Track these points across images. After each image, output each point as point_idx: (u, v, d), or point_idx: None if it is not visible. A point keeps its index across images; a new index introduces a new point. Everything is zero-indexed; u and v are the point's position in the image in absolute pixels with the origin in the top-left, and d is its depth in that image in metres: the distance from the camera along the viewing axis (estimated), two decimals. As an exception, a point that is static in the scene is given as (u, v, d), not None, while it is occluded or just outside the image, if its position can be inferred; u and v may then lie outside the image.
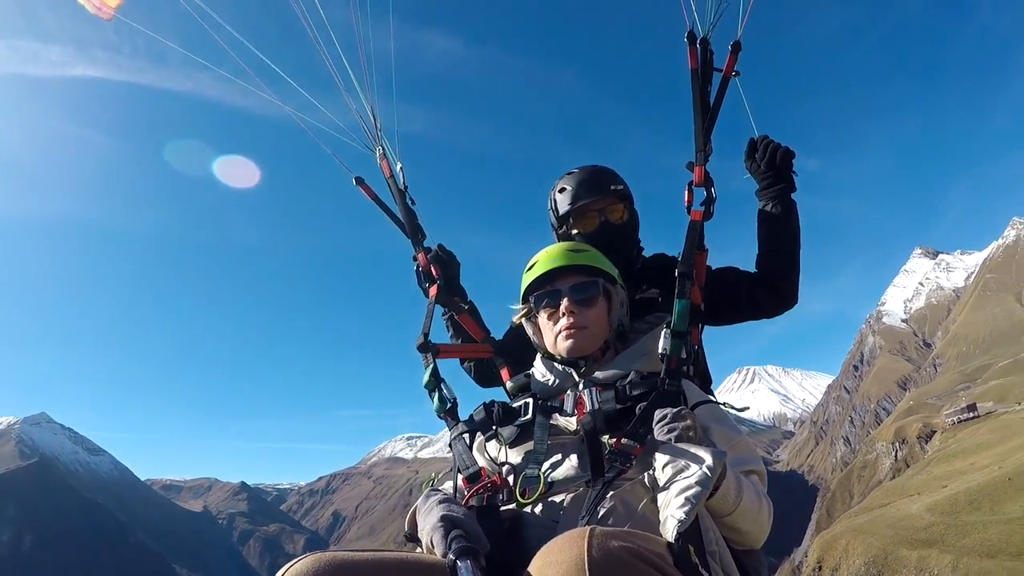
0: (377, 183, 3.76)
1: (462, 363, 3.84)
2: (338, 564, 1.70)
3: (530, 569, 1.60)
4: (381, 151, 3.75)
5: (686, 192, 3.02)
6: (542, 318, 2.74)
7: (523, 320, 2.87)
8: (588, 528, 1.56)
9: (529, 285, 2.74)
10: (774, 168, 3.31)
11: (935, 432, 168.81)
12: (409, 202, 3.62)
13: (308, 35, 3.51)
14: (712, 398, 2.76)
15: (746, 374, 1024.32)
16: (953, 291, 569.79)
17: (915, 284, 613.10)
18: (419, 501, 2.20)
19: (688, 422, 2.14)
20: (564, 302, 2.64)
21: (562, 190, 3.45)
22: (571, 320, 2.62)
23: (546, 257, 2.72)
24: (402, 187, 3.66)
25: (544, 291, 2.71)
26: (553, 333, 2.68)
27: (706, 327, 3.37)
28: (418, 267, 3.53)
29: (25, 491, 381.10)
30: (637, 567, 1.49)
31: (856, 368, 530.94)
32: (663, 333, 2.58)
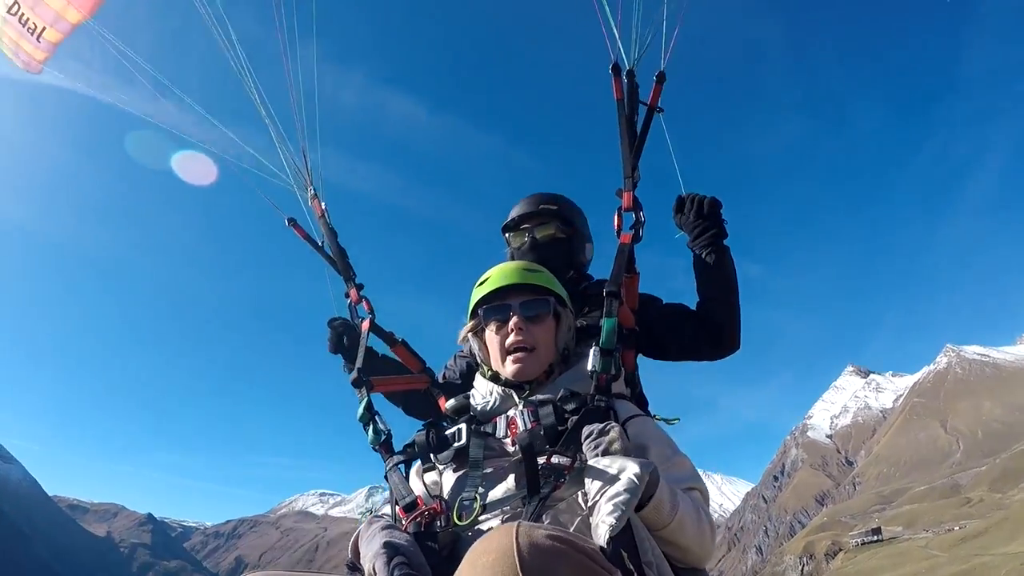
0: (307, 223, 3.87)
1: (395, 402, 3.77)
2: None
3: (462, 564, 1.59)
4: (312, 192, 3.87)
5: (616, 217, 3.12)
6: (489, 333, 2.75)
7: (469, 335, 2.87)
8: (515, 523, 1.58)
9: (479, 300, 2.75)
10: (703, 216, 3.31)
11: (841, 550, 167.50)
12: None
13: (236, 74, 3.56)
14: (644, 413, 2.77)
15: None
16: (880, 412, 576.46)
17: (843, 401, 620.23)
18: (361, 527, 2.21)
19: (613, 435, 2.15)
20: (514, 318, 2.64)
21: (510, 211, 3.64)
22: (519, 337, 2.62)
23: (499, 273, 2.74)
24: (332, 227, 3.80)
25: (494, 305, 2.72)
26: (501, 352, 2.68)
27: (648, 360, 3.41)
28: (350, 303, 3.62)
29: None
30: (567, 552, 1.51)
31: (776, 479, 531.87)
32: (591, 351, 2.62)
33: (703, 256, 3.30)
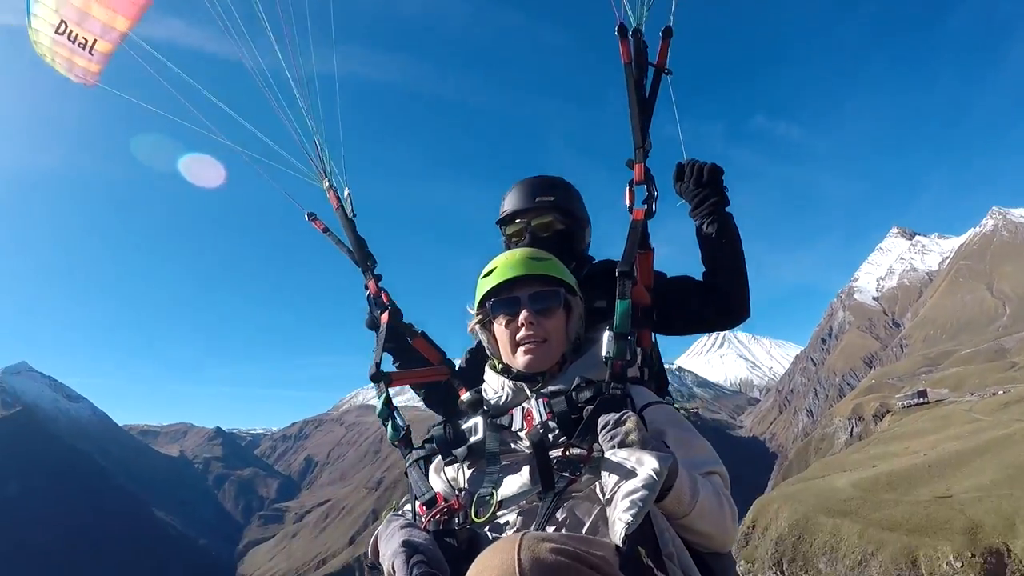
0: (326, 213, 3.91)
1: (416, 391, 3.79)
2: None
3: None
4: (328, 183, 3.83)
5: (627, 191, 2.99)
6: (498, 327, 2.69)
7: (477, 327, 2.83)
8: (519, 534, 1.55)
9: (487, 292, 2.69)
10: (703, 185, 3.22)
11: (888, 412, 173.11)
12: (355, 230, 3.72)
13: (249, 71, 3.63)
14: (663, 400, 2.73)
15: (716, 338, 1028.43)
16: (927, 274, 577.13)
17: (889, 263, 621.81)
18: (380, 527, 2.24)
19: (629, 426, 2.08)
20: (523, 312, 2.59)
21: (502, 200, 3.52)
22: (530, 331, 2.57)
23: (505, 263, 2.67)
24: (351, 216, 3.74)
25: (502, 298, 2.66)
26: (511, 344, 2.64)
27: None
28: (369, 294, 3.56)
29: (8, 440, 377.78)
30: (571, 567, 1.48)
31: (824, 341, 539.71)
32: (605, 336, 2.56)
33: (705, 226, 3.22)
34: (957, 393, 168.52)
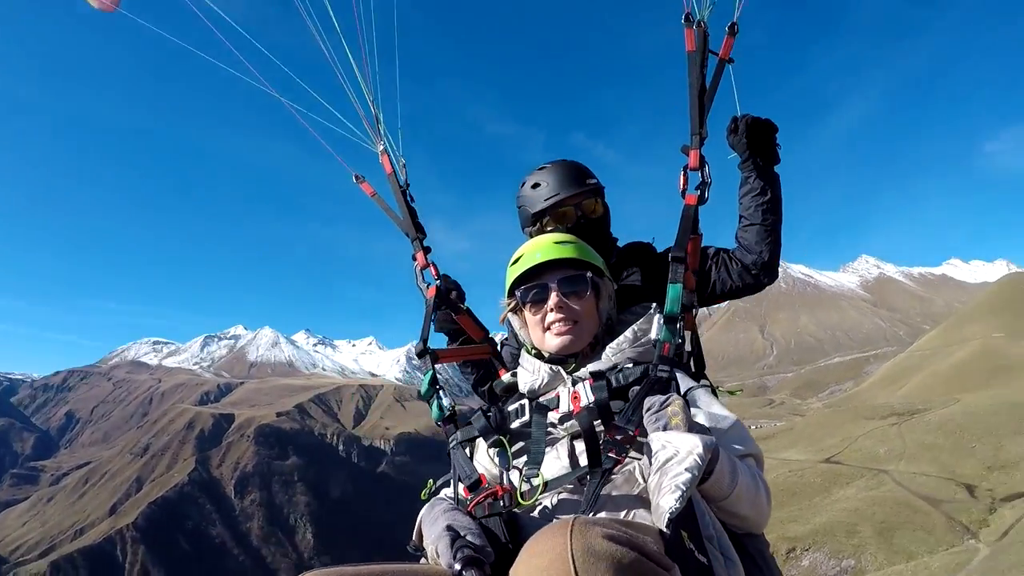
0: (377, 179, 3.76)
1: (465, 372, 3.76)
2: None
3: (516, 564, 1.60)
4: (383, 147, 3.70)
5: (681, 176, 2.97)
6: (528, 313, 2.70)
7: (509, 315, 2.83)
8: (571, 518, 1.55)
9: (516, 279, 2.69)
10: (755, 139, 3.21)
11: None
12: (409, 199, 3.61)
13: (309, 31, 3.47)
14: (704, 383, 2.76)
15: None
16: (707, 309, 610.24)
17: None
18: (424, 510, 2.28)
19: (675, 408, 2.09)
20: (552, 296, 2.59)
21: (535, 185, 3.41)
22: (560, 315, 2.58)
23: (532, 250, 2.67)
24: (403, 184, 3.63)
25: (531, 284, 2.65)
26: (541, 328, 2.65)
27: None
28: (417, 267, 3.50)
29: None
30: (622, 553, 1.48)
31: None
32: (655, 319, 2.60)
33: (752, 181, 3.24)
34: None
